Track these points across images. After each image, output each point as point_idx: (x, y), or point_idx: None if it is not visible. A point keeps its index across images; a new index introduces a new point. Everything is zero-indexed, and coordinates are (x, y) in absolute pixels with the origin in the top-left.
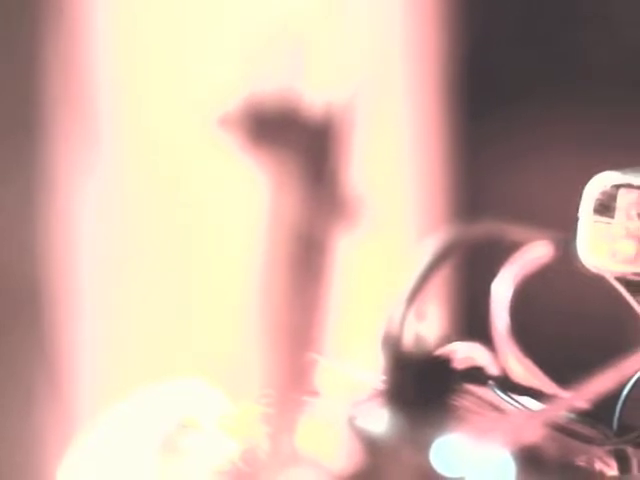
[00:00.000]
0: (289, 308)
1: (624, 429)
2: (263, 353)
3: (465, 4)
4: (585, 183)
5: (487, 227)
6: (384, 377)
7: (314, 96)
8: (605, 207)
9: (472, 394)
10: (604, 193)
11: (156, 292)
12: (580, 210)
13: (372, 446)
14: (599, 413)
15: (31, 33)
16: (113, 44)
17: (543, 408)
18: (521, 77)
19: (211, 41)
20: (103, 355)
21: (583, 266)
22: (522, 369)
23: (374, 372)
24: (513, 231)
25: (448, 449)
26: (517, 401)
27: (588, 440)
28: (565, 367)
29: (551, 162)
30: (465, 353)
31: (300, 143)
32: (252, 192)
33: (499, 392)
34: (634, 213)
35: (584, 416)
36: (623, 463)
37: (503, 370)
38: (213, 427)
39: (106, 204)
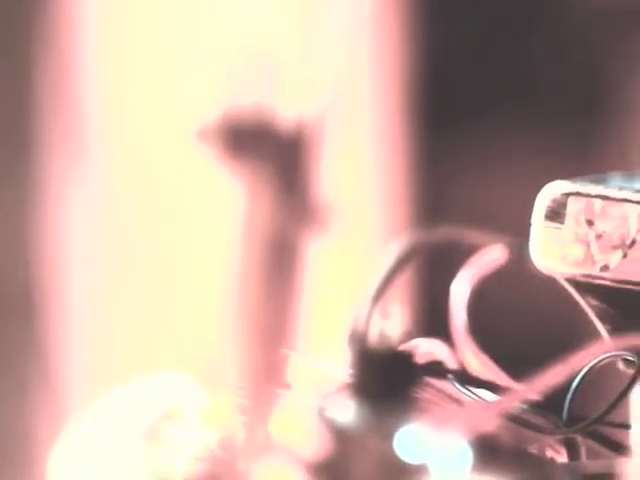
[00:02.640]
0: (263, 307)
1: (573, 419)
2: (240, 350)
3: (427, 26)
4: (537, 191)
5: (447, 232)
6: (351, 371)
7: (286, 110)
8: (556, 213)
9: (432, 387)
10: (555, 201)
11: (141, 292)
12: (533, 216)
13: (340, 435)
14: (550, 404)
15: (24, 49)
16: (101, 61)
17: (498, 400)
18: (479, 93)
19: (191, 60)
20: (91, 351)
21: (535, 268)
22: (479, 363)
23: (342, 366)
24: (471, 236)
25: (411, 437)
26: (474, 393)
27: (540, 429)
28: (519, 362)
29: (506, 172)
30: (426, 348)
31: (273, 154)
32: (229, 199)
33: (457, 385)
34: (582, 219)
35: (536, 407)
36: (572, 451)
37: (461, 364)
38: (193, 417)
39: (94, 211)
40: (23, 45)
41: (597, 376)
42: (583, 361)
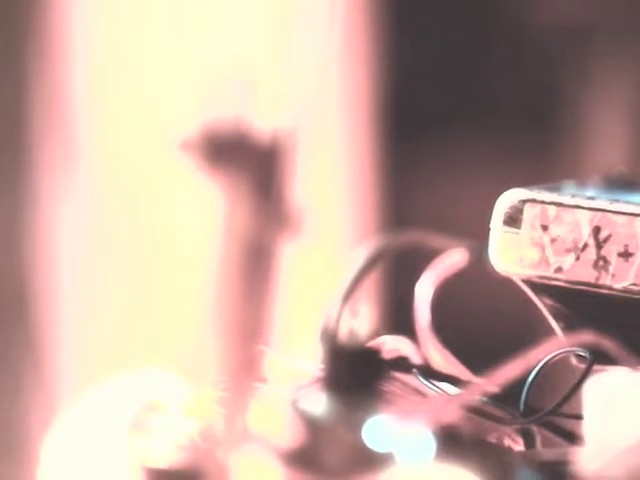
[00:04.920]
0: (241, 307)
1: (529, 410)
2: (219, 346)
3: (394, 45)
4: (496, 198)
5: (411, 236)
6: (322, 366)
7: (262, 123)
8: (513, 219)
9: (398, 380)
10: (512, 207)
11: (126, 292)
12: (492, 222)
13: (312, 425)
14: (508, 397)
15: (18, 68)
16: (90, 79)
17: (459, 392)
18: (442, 107)
19: (174, 77)
20: (81, 347)
21: (494, 270)
22: (441, 359)
23: (314, 362)
24: (434, 240)
25: (378, 428)
26: (437, 386)
27: (498, 420)
28: (479, 357)
29: (467, 180)
30: (392, 345)
31: (251, 164)
32: (209, 206)
33: (421, 379)
34: (538, 224)
35: (495, 399)
36: (529, 440)
37: (425, 360)
38: (176, 409)
39: (83, 217)
40: (17, 64)
41: (551, 370)
42: (538, 356)
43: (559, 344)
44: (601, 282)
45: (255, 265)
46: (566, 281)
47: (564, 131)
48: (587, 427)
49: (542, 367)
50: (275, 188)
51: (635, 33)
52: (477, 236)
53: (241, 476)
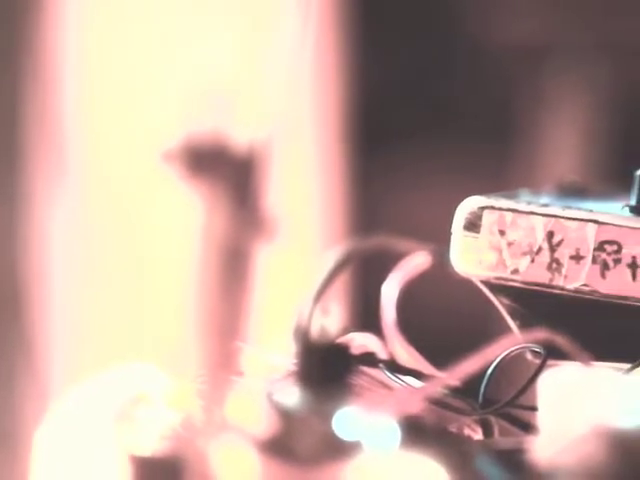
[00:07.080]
0: (219, 306)
1: (488, 402)
2: (199, 342)
3: (362, 61)
4: (457, 205)
5: (378, 240)
6: (295, 361)
7: (240, 135)
8: (473, 224)
9: (366, 374)
10: (472, 213)
11: (113, 292)
12: (453, 227)
13: (286, 416)
14: (468, 389)
15: (11, 79)
16: (79, 92)
17: (423, 385)
18: (407, 120)
19: (157, 92)
20: (71, 342)
21: (455, 272)
22: (406, 354)
23: (287, 357)
24: (399, 244)
25: (347, 418)
26: (402, 380)
27: (459, 411)
28: (441, 352)
29: (430, 188)
30: (360, 341)
31: (228, 174)
32: (189, 212)
33: (388, 373)
34: (496, 229)
35: (456, 392)
36: (487, 429)
37: (391, 355)
38: (159, 401)
39: (73, 220)
40: (10, 76)
41: (508, 365)
42: (496, 352)
43: (515, 341)
44: (554, 283)
45: (232, 267)
46: (522, 282)
47: (520, 143)
48: (541, 418)
49: (499, 362)
50: (251, 196)
51: (587, 52)
52: (439, 240)
53: (219, 463)
